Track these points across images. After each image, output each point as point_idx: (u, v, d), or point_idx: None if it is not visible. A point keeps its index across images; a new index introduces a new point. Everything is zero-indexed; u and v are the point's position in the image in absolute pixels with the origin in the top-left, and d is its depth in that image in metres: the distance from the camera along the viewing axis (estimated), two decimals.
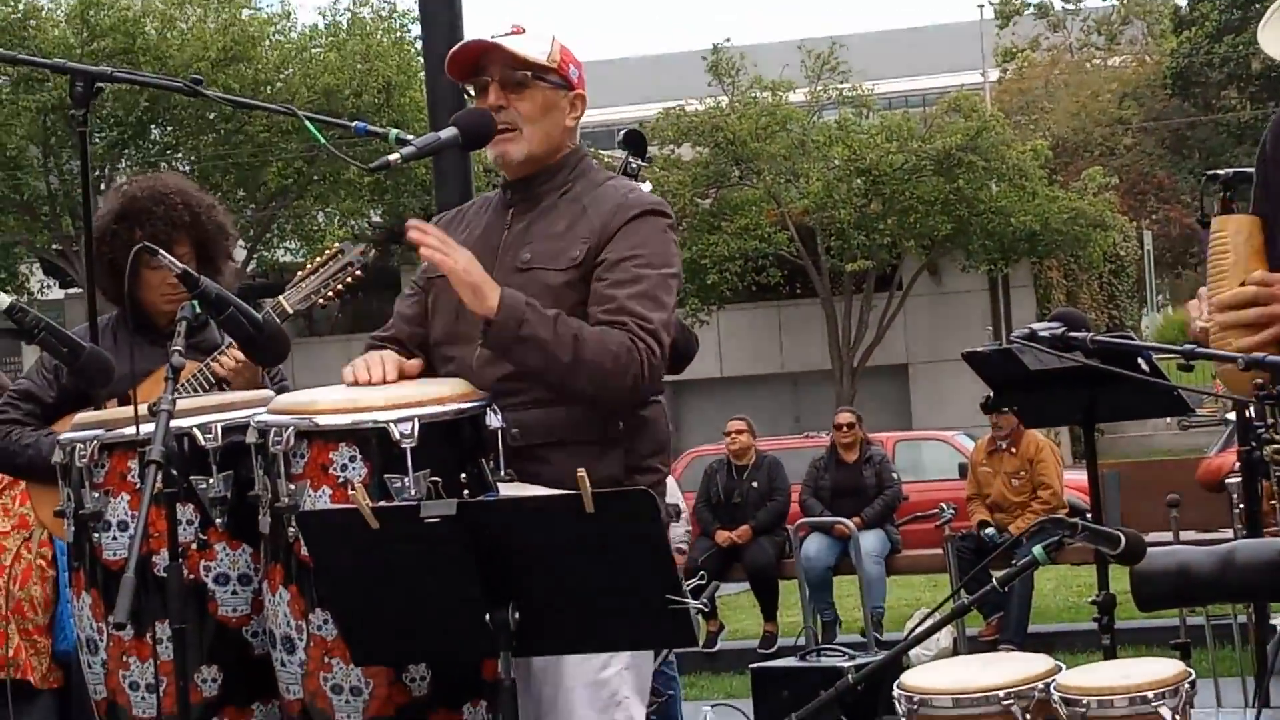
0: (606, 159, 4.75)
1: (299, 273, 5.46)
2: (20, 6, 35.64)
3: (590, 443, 4.38)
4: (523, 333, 4.25)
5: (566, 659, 4.27)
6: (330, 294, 5.43)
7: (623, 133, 5.89)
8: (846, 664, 8.44)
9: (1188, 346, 3.76)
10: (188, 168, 35.72)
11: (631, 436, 4.44)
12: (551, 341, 4.25)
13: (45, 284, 40.21)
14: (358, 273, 5.47)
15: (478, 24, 4.76)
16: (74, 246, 35.33)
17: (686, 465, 22.30)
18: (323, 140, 4.81)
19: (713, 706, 9.50)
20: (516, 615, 3.82)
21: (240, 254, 34.99)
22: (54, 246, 36.82)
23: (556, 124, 4.56)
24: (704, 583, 8.51)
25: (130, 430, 4.40)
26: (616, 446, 4.41)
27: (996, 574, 4.54)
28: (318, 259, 5.47)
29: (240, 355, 5.32)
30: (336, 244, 5.57)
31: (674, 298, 4.44)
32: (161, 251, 4.63)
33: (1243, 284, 3.70)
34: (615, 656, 4.32)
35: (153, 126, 36.69)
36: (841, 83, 38.72)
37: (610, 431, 4.40)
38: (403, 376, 4.41)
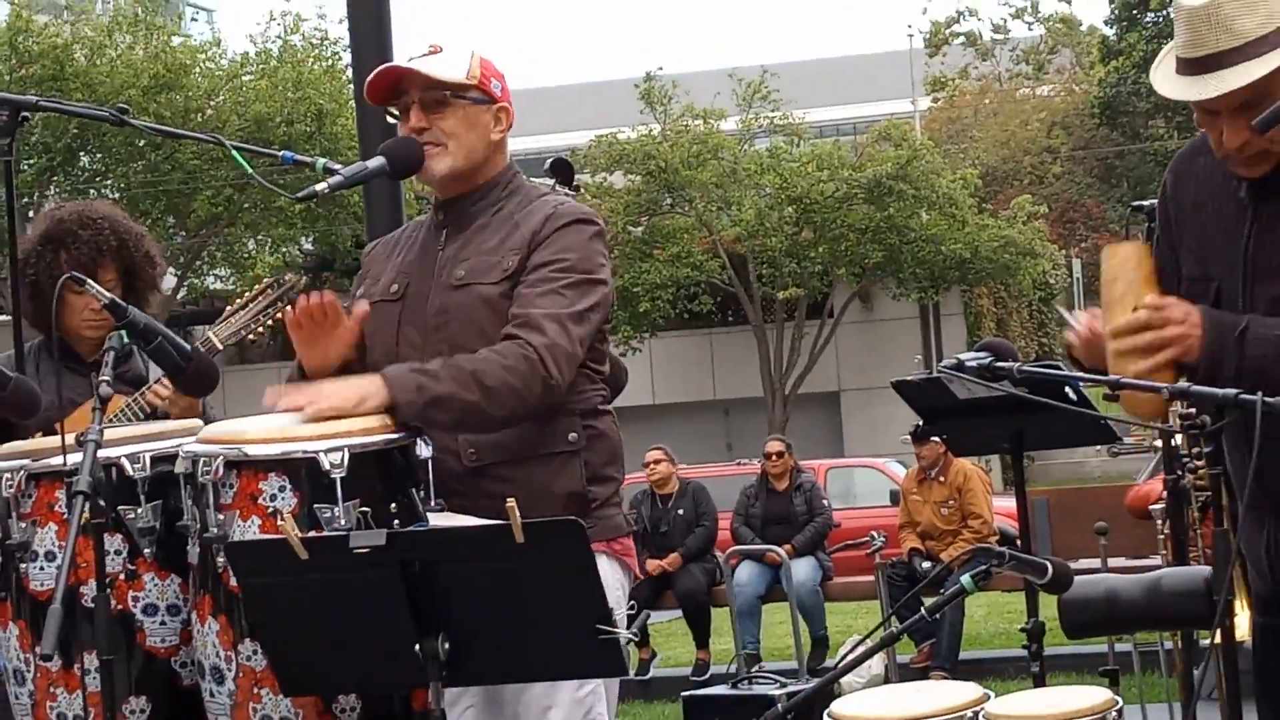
0: (528, 184, 4.75)
1: (229, 306, 5.43)
2: None
3: (547, 456, 4.41)
4: (425, 397, 4.24)
5: (544, 683, 4.32)
6: (260, 329, 5.42)
7: (549, 161, 5.90)
8: (778, 691, 8.46)
9: (1114, 377, 3.80)
10: (117, 195, 35.56)
11: (589, 448, 4.47)
12: (453, 392, 4.25)
13: None
14: (288, 307, 5.45)
15: (408, 51, 4.77)
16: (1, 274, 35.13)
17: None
18: (250, 169, 4.80)
19: None
20: (446, 645, 3.81)
21: (170, 281, 34.86)
22: None
23: (481, 138, 4.56)
24: (634, 612, 8.43)
25: (57, 460, 4.37)
26: (574, 458, 4.45)
27: (927, 601, 4.55)
28: (249, 293, 5.45)
29: (162, 390, 5.30)
30: (267, 278, 5.55)
31: (592, 299, 4.44)
32: (89, 280, 4.61)
33: (1135, 309, 3.75)
34: (585, 681, 4.37)
35: (82, 154, 36.50)
36: (773, 111, 38.93)
37: (565, 444, 4.43)
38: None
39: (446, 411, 4.27)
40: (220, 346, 5.34)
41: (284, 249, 38.44)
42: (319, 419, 4.21)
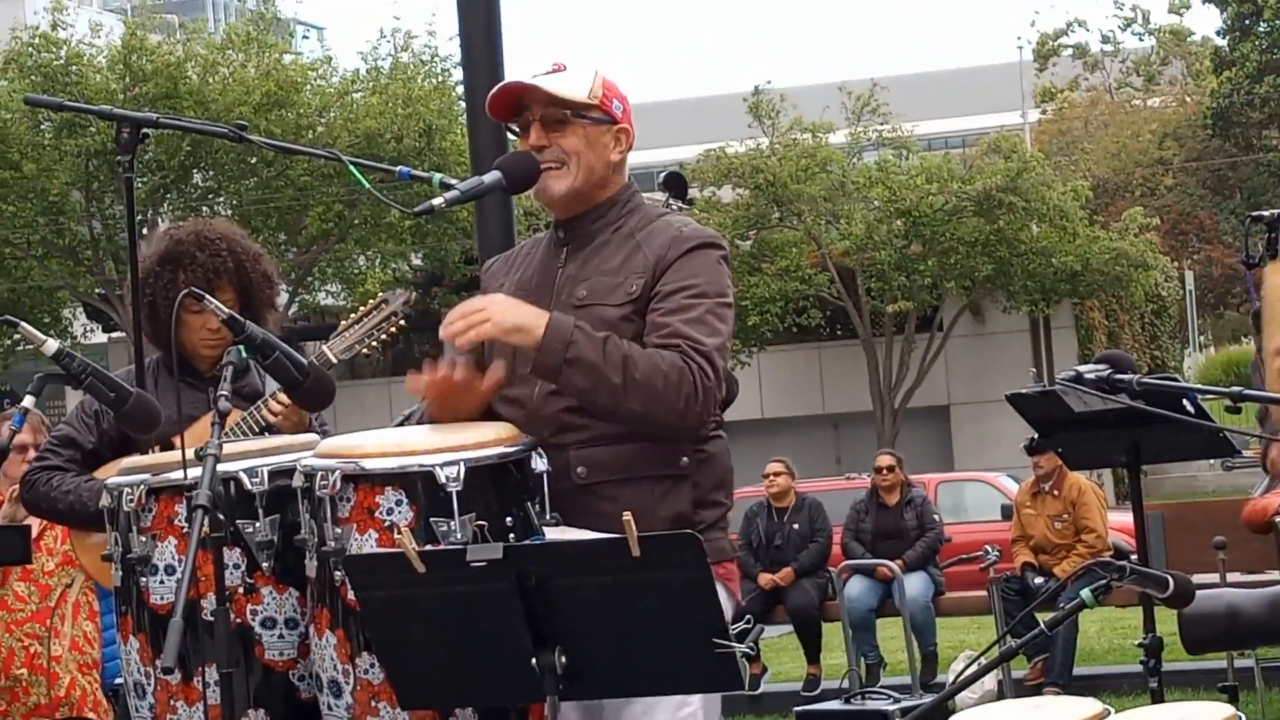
0: (647, 202, 4.74)
1: (343, 321, 5.47)
2: (63, 53, 35.84)
3: (657, 478, 4.39)
4: (570, 355, 4.25)
5: (644, 699, 4.27)
6: (374, 344, 5.45)
7: (663, 175, 5.88)
8: (891, 707, 8.43)
9: (1235, 389, 3.76)
10: (229, 212, 35.83)
11: (698, 471, 4.43)
12: (600, 363, 4.25)
13: (88, 328, 40.38)
14: (401, 322, 5.48)
15: (519, 68, 4.77)
16: (116, 291, 35.48)
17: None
18: (366, 184, 4.83)
19: None
20: (563, 659, 3.81)
21: (282, 298, 35.12)
22: (97, 291, 36.97)
23: (600, 159, 4.55)
24: (749, 626, 8.47)
25: (177, 475, 4.41)
26: (684, 481, 4.41)
27: (1043, 617, 4.51)
28: (362, 308, 5.48)
29: (278, 405, 5.34)
30: (381, 293, 5.59)
31: (728, 326, 4.43)
32: (207, 297, 4.65)
33: None
34: (691, 696, 4.31)
35: (195, 171, 36.82)
36: (881, 124, 38.77)
37: (675, 467, 4.40)
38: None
39: (582, 378, 4.26)
40: (335, 361, 5.38)
41: (394, 265, 38.64)
42: (479, 336, 4.26)
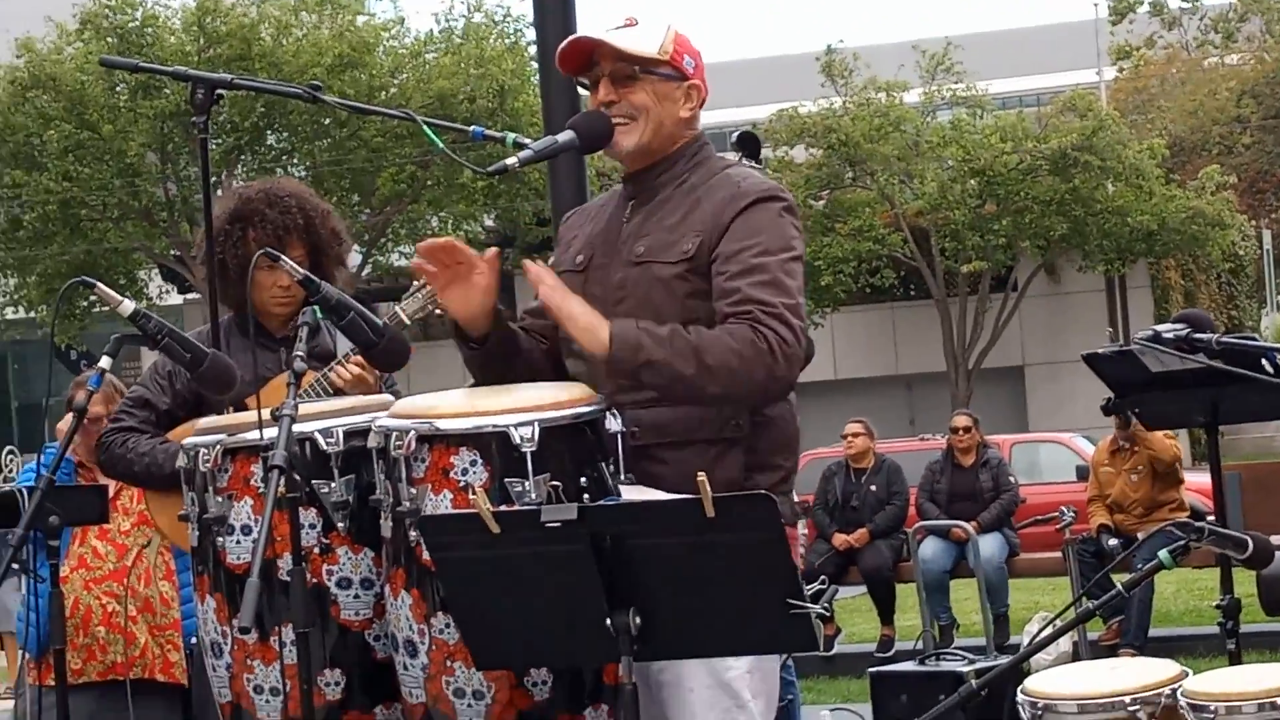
0: (716, 155, 4.71)
1: (415, 283, 5.46)
2: (138, 15, 36.00)
3: (709, 442, 4.35)
4: (640, 359, 4.23)
5: (687, 661, 4.25)
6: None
7: (736, 134, 5.85)
8: (966, 668, 8.39)
9: None
10: (303, 173, 35.95)
11: (753, 436, 4.40)
12: (671, 358, 4.22)
13: (164, 289, 40.59)
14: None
15: (592, 25, 4.74)
16: (191, 252, 35.64)
17: (803, 468, 22.16)
18: (440, 145, 4.83)
19: (831, 710, 9.48)
20: (638, 619, 3.81)
21: (355, 259, 35.24)
22: (172, 252, 37.16)
23: (670, 115, 4.51)
24: (825, 587, 8.42)
25: (253, 435, 4.42)
26: (736, 446, 4.38)
27: (1120, 578, 4.49)
28: None
29: (356, 367, 5.34)
30: None
31: (798, 281, 4.36)
32: (282, 256, 4.65)
33: None
34: (738, 658, 4.29)
35: (268, 132, 36.93)
36: (956, 83, 38.54)
37: (729, 431, 4.37)
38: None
39: (658, 377, 4.24)
40: (408, 321, 5.38)
41: (466, 226, 38.67)
42: (548, 299, 4.28)
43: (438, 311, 5.43)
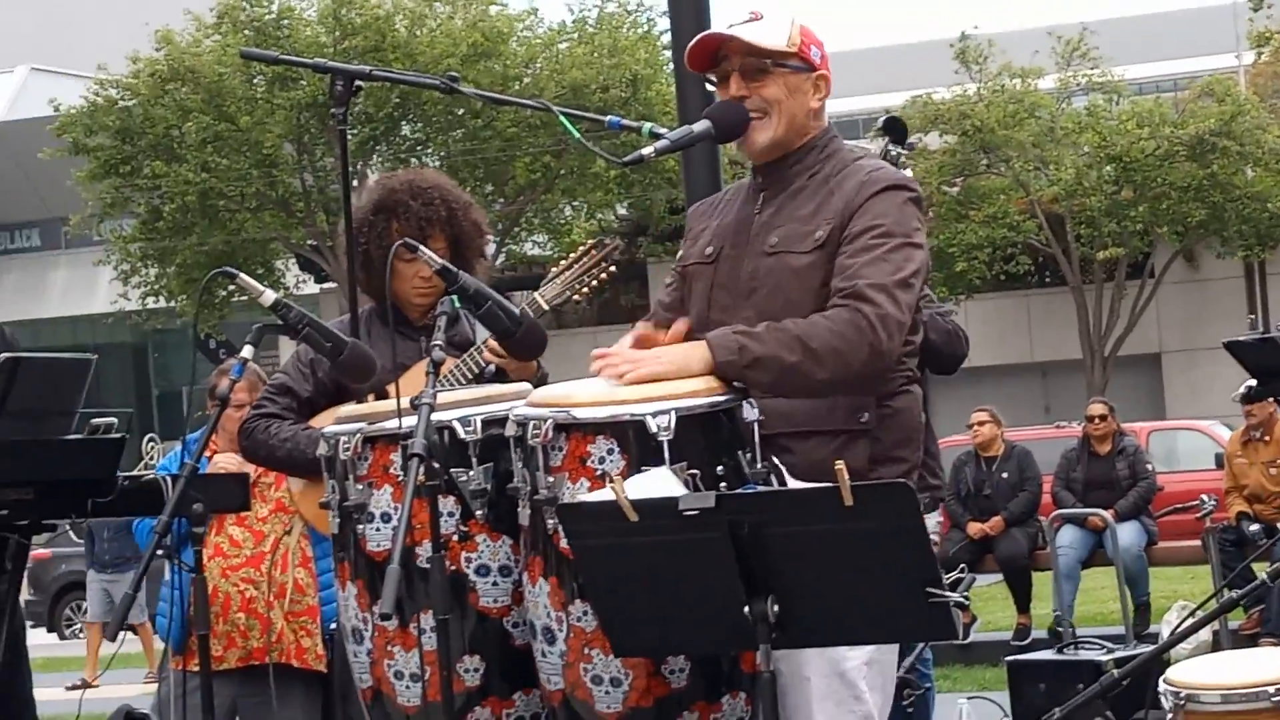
0: (846, 146, 4.69)
1: (553, 269, 5.49)
2: (274, 7, 36.32)
3: (835, 433, 4.36)
4: (746, 359, 4.22)
5: (806, 651, 4.25)
6: (584, 290, 5.46)
7: (882, 119, 5.83)
8: (1105, 657, 8.32)
9: None
10: (437, 163, 36.13)
11: (879, 427, 4.40)
12: (776, 350, 4.22)
13: (300, 279, 40.95)
14: (611, 268, 5.49)
15: (724, 15, 4.75)
16: (328, 242, 35.97)
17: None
18: (577, 134, 4.84)
19: (968, 699, 9.41)
20: (775, 608, 3.81)
21: (489, 248, 35.38)
22: (309, 242, 37.49)
23: (801, 107, 4.52)
24: (963, 575, 8.41)
25: (392, 423, 4.46)
26: (862, 437, 4.38)
27: (1261, 568, 4.44)
28: (572, 255, 5.50)
29: (492, 355, 5.37)
30: (590, 240, 5.60)
31: (914, 265, 4.36)
32: (421, 247, 4.68)
33: None
34: (856, 649, 4.29)
35: (403, 123, 37.17)
36: (1091, 68, 38.16)
37: (856, 423, 4.37)
38: (647, 344, 4.41)
39: (767, 372, 4.23)
40: (546, 308, 5.41)
41: (599, 214, 38.76)
42: (635, 381, 4.24)
43: (575, 298, 5.46)
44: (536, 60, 37.09)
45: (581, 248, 5.52)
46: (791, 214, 4.47)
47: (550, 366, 5.46)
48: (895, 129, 5.10)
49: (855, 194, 4.41)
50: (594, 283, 5.47)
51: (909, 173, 4.84)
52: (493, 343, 5.34)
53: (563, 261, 5.49)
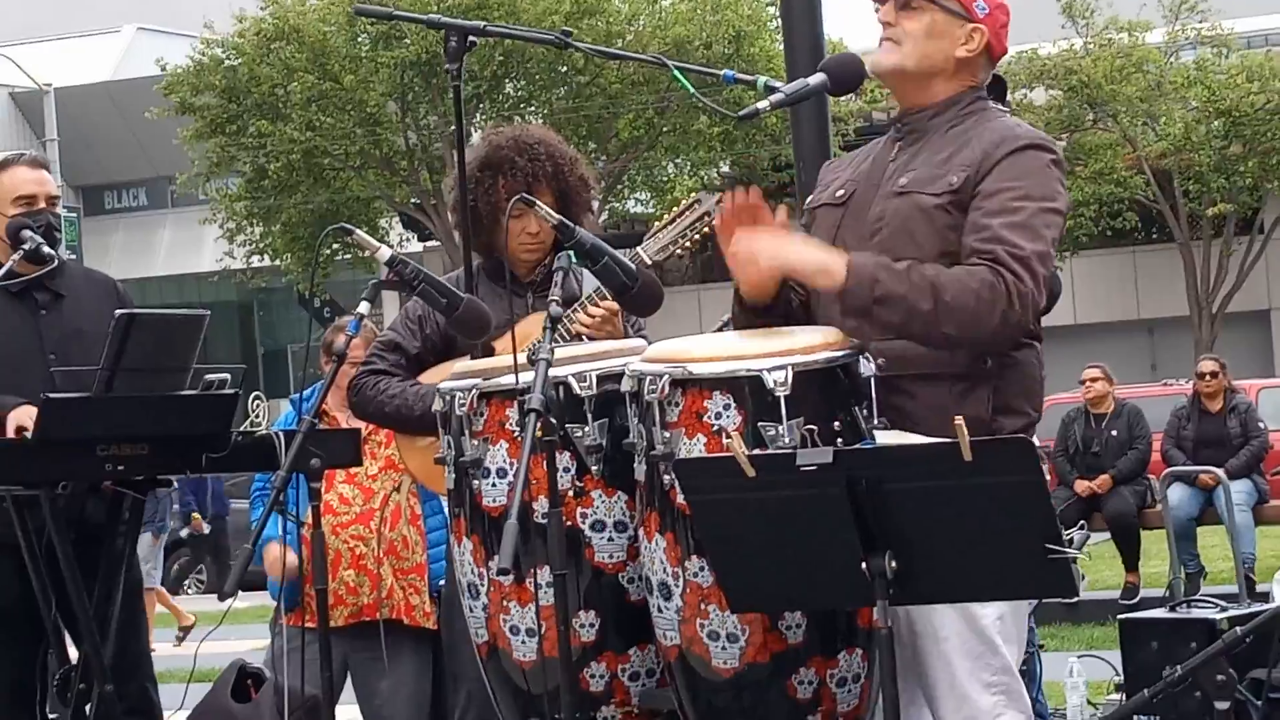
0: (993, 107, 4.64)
1: (655, 224, 5.48)
2: None
3: (957, 377, 4.29)
4: (877, 293, 4.18)
5: (940, 607, 4.22)
6: (687, 244, 5.45)
7: None
8: (1218, 615, 8.23)
9: None
10: (540, 120, 36.12)
11: (1000, 376, 4.33)
12: (909, 294, 4.17)
13: (404, 237, 41.11)
14: (714, 222, 5.47)
15: None
16: (431, 200, 36.07)
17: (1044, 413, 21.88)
18: (691, 89, 4.82)
19: (1078, 657, 9.36)
20: (893, 563, 3.79)
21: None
22: (412, 200, 37.61)
23: (940, 50, 4.44)
24: (1084, 531, 8.40)
25: (508, 379, 4.46)
26: (984, 384, 4.30)
27: None
28: (674, 210, 5.48)
29: (598, 310, 5.36)
30: (693, 195, 5.58)
31: (1054, 232, 4.29)
32: (538, 202, 4.68)
33: None
34: (992, 604, 4.25)
35: (506, 81, 37.19)
36: (1200, 22, 37.73)
37: (978, 367, 4.30)
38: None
39: (893, 312, 4.19)
40: (649, 262, 5.38)
41: (702, 172, 38.68)
42: (771, 264, 4.23)
43: (679, 254, 5.44)
44: (640, 17, 37.00)
45: (685, 202, 5.49)
46: (927, 159, 4.41)
47: (653, 323, 5.46)
48: (995, 86, 5.04)
49: (994, 147, 4.34)
50: (696, 237, 5.45)
51: None
52: (602, 306, 5.33)
53: (665, 217, 5.47)
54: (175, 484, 6.92)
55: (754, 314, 4.47)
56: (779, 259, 4.28)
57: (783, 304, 4.47)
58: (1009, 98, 4.73)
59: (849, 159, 4.71)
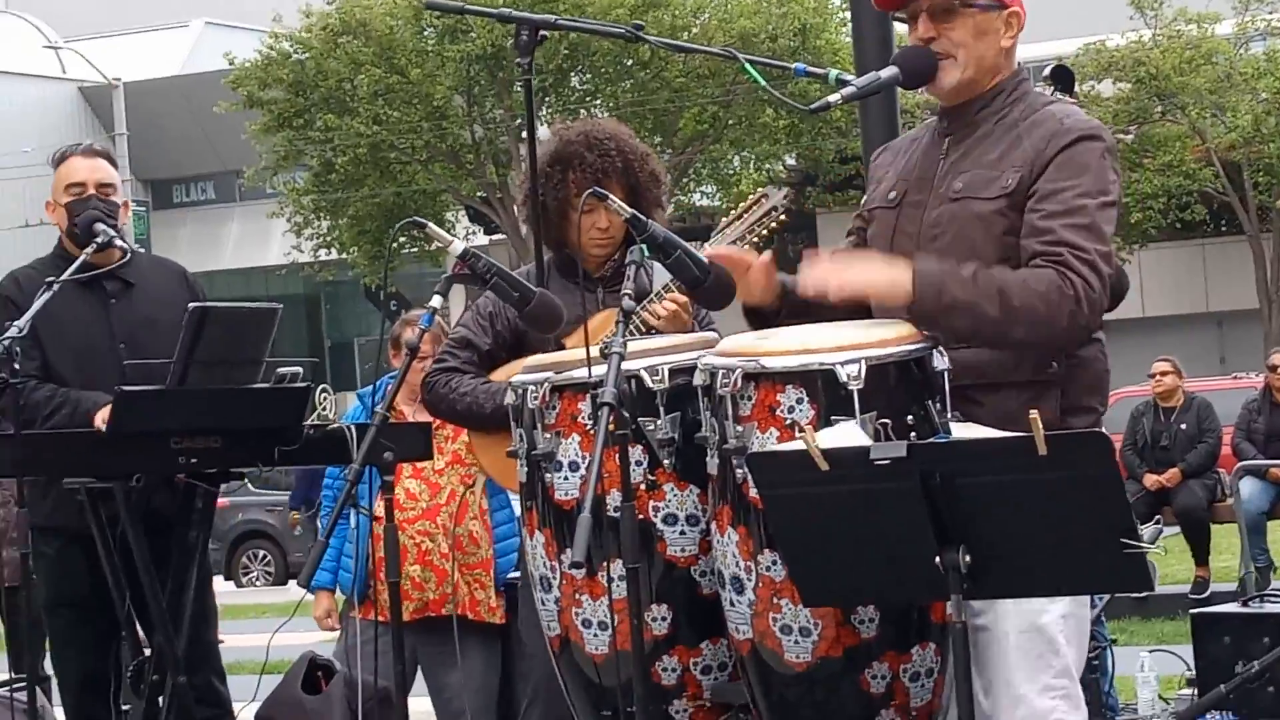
0: (1035, 90, 4.63)
1: (723, 219, 5.47)
2: None
3: (1025, 384, 4.29)
4: (944, 301, 4.17)
5: (1002, 603, 4.21)
6: (755, 239, 5.44)
7: (1049, 68, 5.76)
8: None
9: None
10: (606, 114, 36.16)
11: (1067, 377, 4.33)
12: (976, 301, 4.16)
13: (470, 231, 41.19)
14: (782, 217, 5.46)
15: None
16: (497, 194, 36.15)
17: (1112, 407, 21.72)
18: (763, 82, 4.81)
19: (1149, 652, 9.32)
20: (967, 557, 3.78)
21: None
22: (478, 194, 37.69)
23: (991, 47, 4.43)
24: (1158, 526, 8.36)
25: (580, 373, 4.46)
26: (1052, 388, 4.31)
27: None
28: (742, 205, 5.47)
29: (670, 303, 5.36)
30: (760, 189, 5.56)
31: (1112, 226, 4.29)
32: (610, 195, 4.67)
33: None
34: (1054, 602, 4.23)
35: (572, 74, 37.24)
36: (1270, 13, 37.46)
37: (1044, 373, 4.30)
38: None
39: (961, 319, 4.19)
40: None
41: (768, 165, 38.64)
42: (842, 290, 4.23)
43: (747, 248, 5.43)
44: (705, 10, 36.97)
45: (752, 197, 5.48)
46: (978, 159, 4.40)
47: (721, 317, 5.45)
48: (1063, 77, 5.03)
49: (1046, 144, 4.32)
50: (764, 232, 5.45)
51: None
52: (669, 299, 5.33)
53: (732, 212, 5.47)
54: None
55: (756, 316, 4.55)
56: (849, 285, 4.27)
57: (786, 306, 4.53)
58: (1076, 89, 4.68)
59: (896, 148, 4.69)
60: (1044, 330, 4.19)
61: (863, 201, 4.69)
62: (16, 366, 5.44)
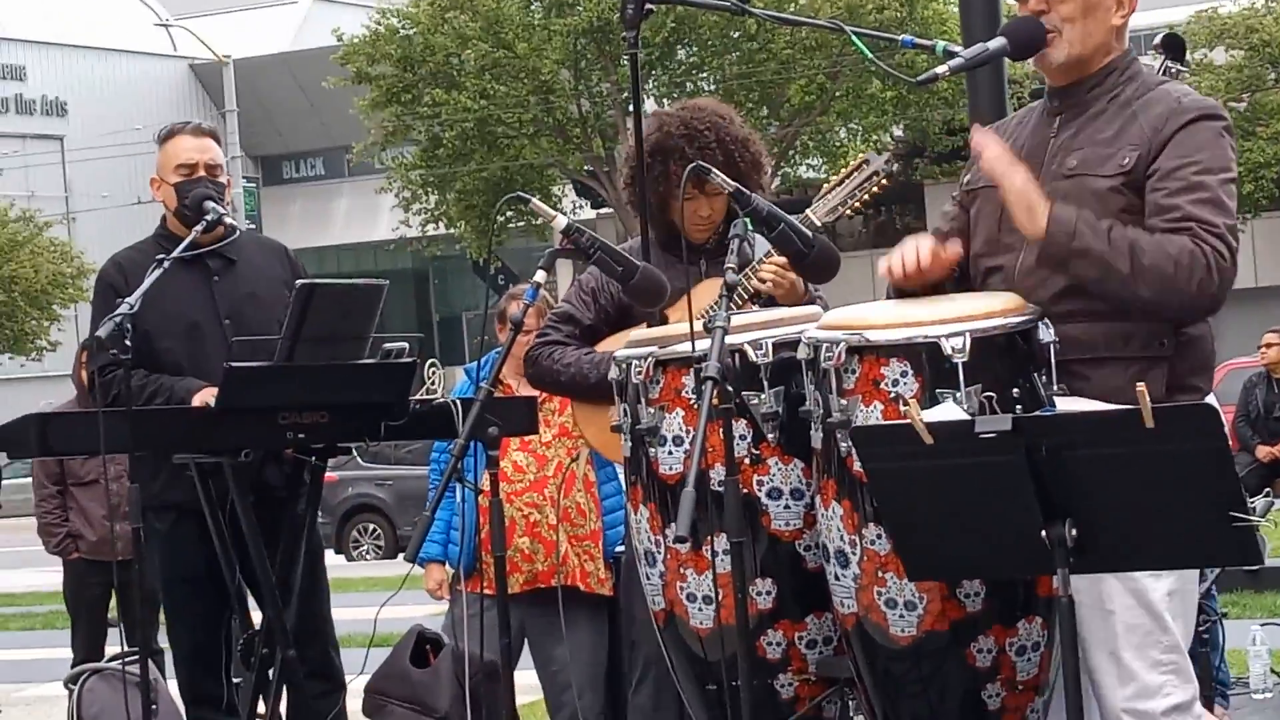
0: (1145, 69, 4.57)
1: (825, 185, 5.46)
2: None
3: (1133, 360, 4.24)
4: (1075, 246, 4.15)
5: (1108, 579, 4.18)
6: (856, 204, 5.42)
7: (1160, 36, 5.68)
8: None
9: None
10: (712, 87, 36.11)
11: (1176, 355, 4.28)
12: (1107, 253, 4.14)
13: (577, 204, 41.26)
14: (884, 181, 5.43)
15: None
16: (605, 167, 36.16)
17: (1223, 378, 21.62)
18: (869, 54, 4.79)
19: (1261, 625, 9.23)
20: (1074, 531, 3.75)
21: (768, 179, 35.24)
22: (585, 168, 37.73)
23: (1100, 24, 4.39)
24: (1269, 499, 8.27)
25: (684, 347, 4.46)
26: (1160, 364, 4.26)
27: None
28: (844, 170, 5.46)
29: (776, 261, 5.34)
30: (861, 155, 5.55)
31: (1234, 202, 4.25)
32: (714, 170, 4.66)
33: None
34: (1161, 578, 4.20)
35: (678, 47, 37.17)
36: None
37: (1153, 349, 4.26)
38: (937, 264, 4.38)
39: (1089, 268, 4.16)
40: (818, 223, 5.36)
41: (875, 137, 38.45)
42: (989, 163, 4.24)
43: (849, 214, 5.42)
44: None
45: (854, 161, 5.46)
46: (1091, 137, 4.36)
47: (826, 290, 5.43)
48: (1174, 46, 4.95)
49: (1164, 122, 4.28)
50: (865, 197, 5.42)
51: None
52: (769, 263, 5.31)
53: (834, 178, 5.45)
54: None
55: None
56: (999, 173, 4.27)
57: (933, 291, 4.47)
58: (1188, 58, 4.64)
59: (1003, 129, 4.62)
60: (1170, 294, 4.15)
61: (964, 181, 4.65)
62: (128, 343, 5.49)
